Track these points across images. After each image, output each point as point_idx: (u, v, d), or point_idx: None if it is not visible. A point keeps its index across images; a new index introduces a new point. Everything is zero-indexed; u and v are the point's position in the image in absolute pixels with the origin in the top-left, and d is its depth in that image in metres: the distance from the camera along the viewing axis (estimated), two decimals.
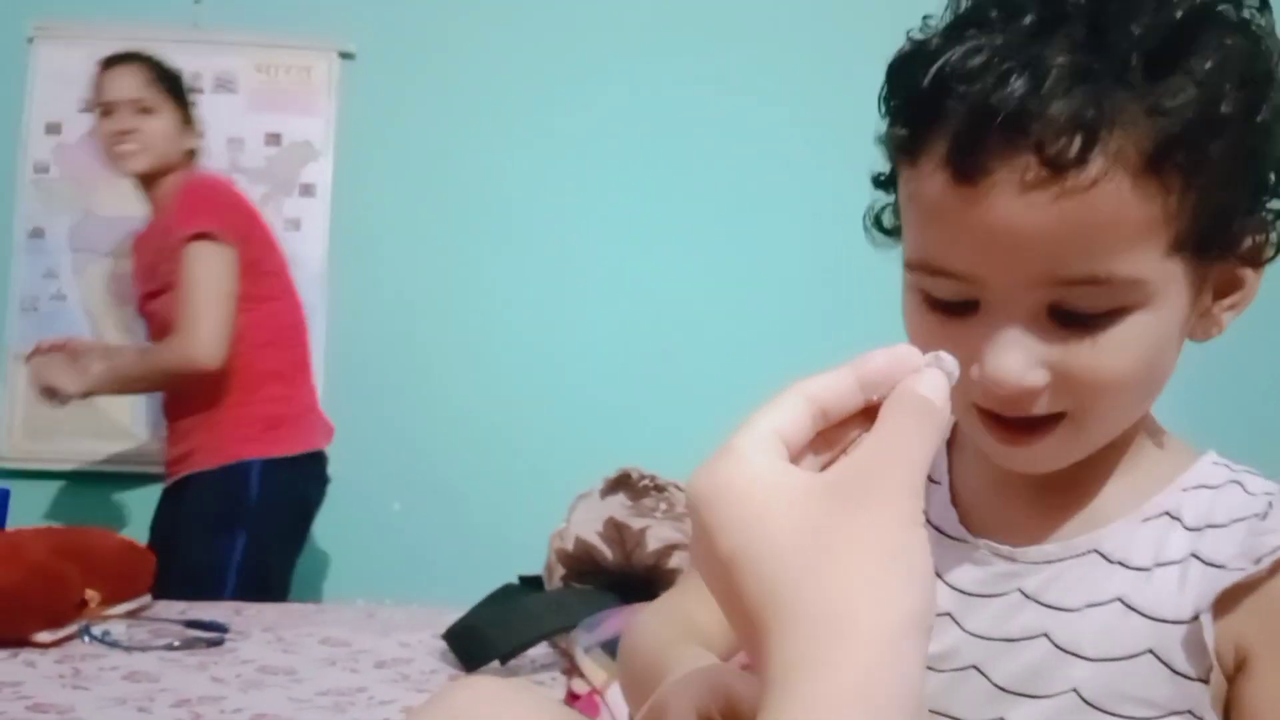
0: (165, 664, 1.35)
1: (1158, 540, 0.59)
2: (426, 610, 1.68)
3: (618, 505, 1.55)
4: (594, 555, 1.51)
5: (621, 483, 1.59)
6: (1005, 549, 0.62)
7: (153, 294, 2.09)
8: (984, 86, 0.50)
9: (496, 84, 2.61)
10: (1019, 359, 0.54)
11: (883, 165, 0.61)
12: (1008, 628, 0.61)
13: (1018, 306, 0.54)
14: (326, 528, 2.27)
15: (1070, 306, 0.53)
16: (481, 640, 1.39)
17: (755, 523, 0.38)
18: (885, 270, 0.63)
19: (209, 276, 1.96)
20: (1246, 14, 0.53)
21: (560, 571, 1.54)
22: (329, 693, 1.26)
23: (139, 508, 2.51)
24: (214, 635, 1.45)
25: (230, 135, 2.53)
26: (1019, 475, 0.62)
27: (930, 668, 0.62)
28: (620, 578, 1.50)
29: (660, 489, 1.59)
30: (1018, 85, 0.49)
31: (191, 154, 2.16)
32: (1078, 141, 0.49)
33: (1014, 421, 0.57)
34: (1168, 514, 0.60)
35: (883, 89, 0.57)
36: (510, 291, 2.62)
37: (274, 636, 1.49)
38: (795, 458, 0.41)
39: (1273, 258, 0.58)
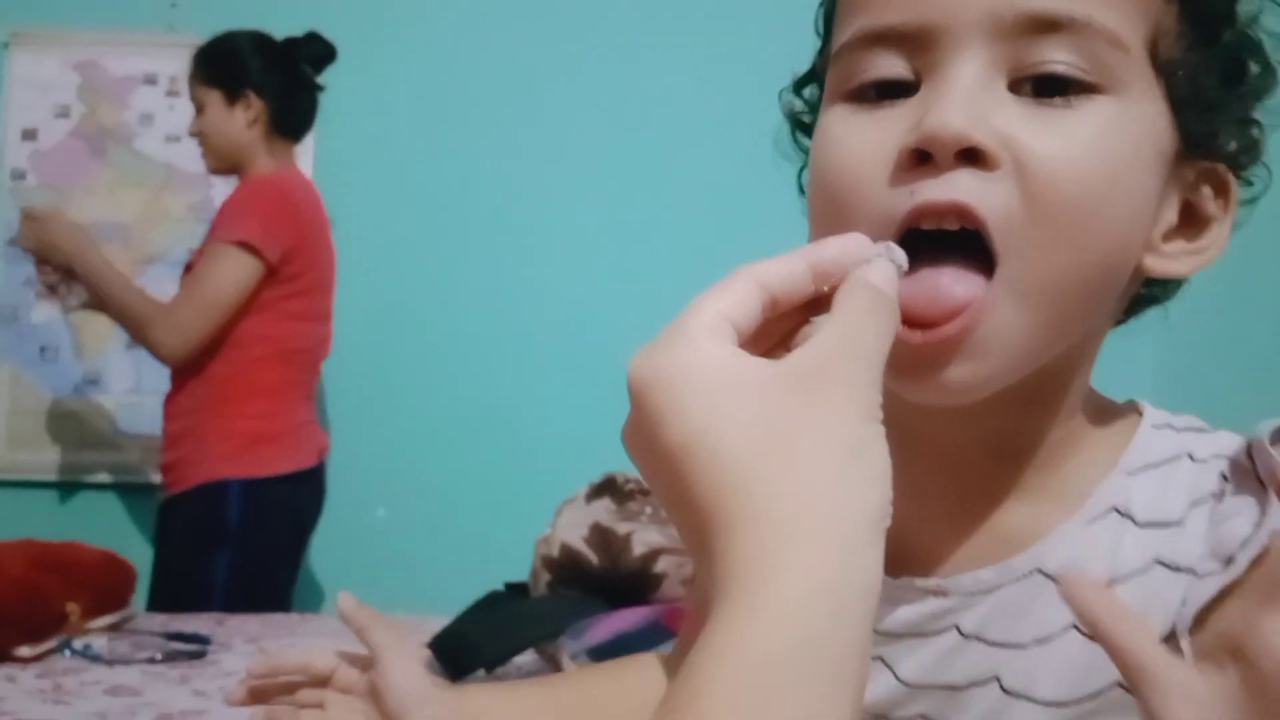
0: (147, 677, 1.34)
1: (1110, 546, 0.50)
2: (411, 618, 1.67)
3: (603, 510, 1.54)
4: (580, 561, 1.50)
5: (606, 487, 1.58)
6: (932, 582, 0.52)
7: (189, 266, 2.07)
8: None
9: (483, 81, 2.60)
10: (967, 111, 0.44)
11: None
12: (950, 674, 0.52)
13: (972, 60, 0.45)
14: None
15: (1036, 66, 0.45)
16: (467, 648, 1.38)
17: (713, 409, 0.36)
18: None
19: (218, 280, 1.93)
20: None
21: (546, 578, 1.53)
22: None
23: (124, 520, 2.50)
24: (196, 648, 1.44)
25: None
26: (937, 487, 0.53)
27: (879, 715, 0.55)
28: (607, 583, 1.49)
29: (645, 492, 1.58)
30: None
31: (273, 126, 2.06)
32: None
33: (934, 311, 0.45)
34: (1115, 510, 0.50)
35: None
36: (493, 295, 2.61)
37: (256, 648, 1.48)
38: (743, 346, 0.39)
39: (1241, 180, 0.52)
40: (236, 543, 1.95)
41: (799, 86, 0.60)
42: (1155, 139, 0.48)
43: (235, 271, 1.93)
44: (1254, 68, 0.51)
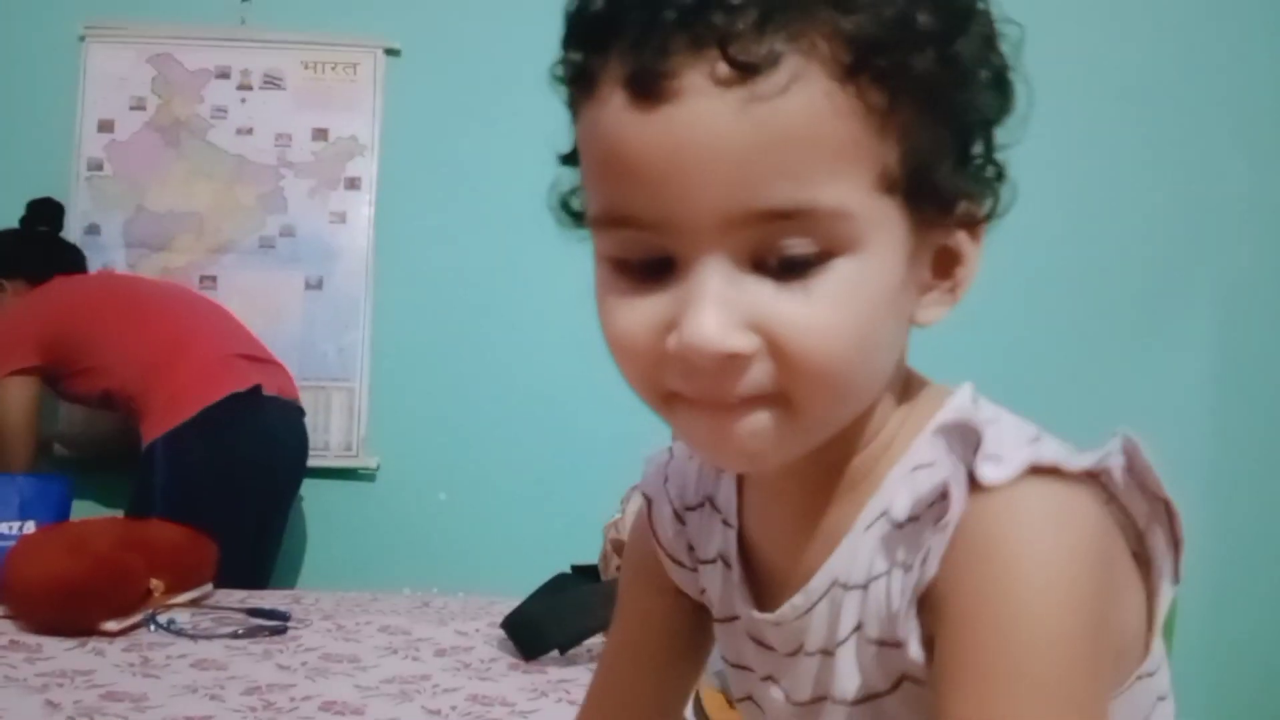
0: (231, 652, 1.38)
1: (872, 548, 0.51)
2: (479, 599, 1.70)
3: None
4: None
5: None
6: (771, 616, 0.56)
7: None
8: None
9: (542, 79, 2.63)
10: (719, 317, 0.46)
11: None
12: (802, 692, 0.56)
13: (715, 255, 0.46)
14: (371, 518, 2.30)
15: (773, 250, 0.46)
16: (540, 630, 1.41)
17: None
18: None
19: (5, 414, 2.16)
20: None
21: (616, 562, 1.55)
22: (394, 680, 1.28)
23: None
24: (276, 623, 1.48)
25: (278, 131, 2.56)
26: (784, 515, 0.56)
27: None
28: None
29: None
30: None
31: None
32: (768, 35, 0.43)
33: (721, 405, 0.48)
34: (884, 514, 0.51)
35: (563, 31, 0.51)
36: (555, 280, 2.63)
37: (334, 624, 1.52)
38: None
39: (989, 219, 0.52)
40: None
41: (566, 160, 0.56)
42: (898, 257, 0.48)
43: (11, 398, 2.15)
44: (985, 112, 0.50)
